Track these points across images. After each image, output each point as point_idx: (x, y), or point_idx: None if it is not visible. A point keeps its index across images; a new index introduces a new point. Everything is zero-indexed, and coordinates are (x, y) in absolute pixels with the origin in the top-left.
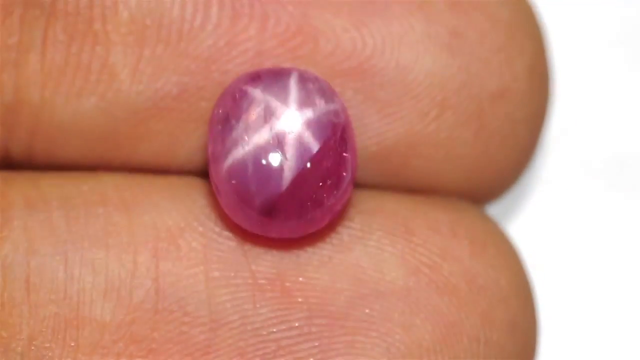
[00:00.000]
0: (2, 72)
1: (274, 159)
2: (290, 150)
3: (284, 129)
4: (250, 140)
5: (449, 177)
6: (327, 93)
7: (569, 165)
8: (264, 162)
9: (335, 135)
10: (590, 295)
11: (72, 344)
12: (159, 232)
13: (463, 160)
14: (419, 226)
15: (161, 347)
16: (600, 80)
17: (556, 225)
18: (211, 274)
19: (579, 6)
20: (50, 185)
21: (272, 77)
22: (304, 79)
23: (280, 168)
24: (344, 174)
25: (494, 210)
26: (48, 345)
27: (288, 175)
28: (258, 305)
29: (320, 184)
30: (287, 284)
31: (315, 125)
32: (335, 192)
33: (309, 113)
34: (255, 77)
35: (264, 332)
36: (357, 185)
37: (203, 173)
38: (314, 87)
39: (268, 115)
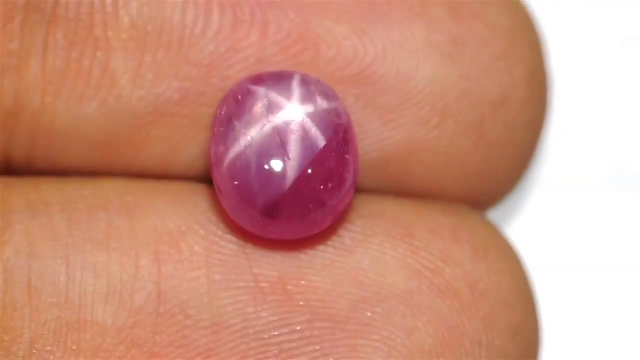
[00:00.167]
0: (3, 77)
1: (277, 159)
2: (294, 151)
3: (287, 124)
4: (251, 132)
5: (450, 183)
6: (329, 95)
7: (569, 168)
8: (266, 162)
9: (337, 137)
10: (592, 299)
11: (74, 348)
12: (160, 236)
13: (464, 167)
14: (421, 230)
15: (163, 351)
16: (599, 80)
17: (556, 228)
18: (213, 277)
19: (580, 6)
20: (52, 189)
21: (275, 79)
22: (306, 82)
23: (283, 168)
24: (347, 175)
25: (494, 213)
26: (50, 348)
27: (291, 175)
28: (260, 309)
29: (323, 185)
30: (289, 288)
31: (319, 122)
32: (337, 193)
33: (310, 109)
34: (258, 80)
35: (266, 336)
36: (359, 190)
37: (204, 179)
38: (316, 88)
39: (271, 108)
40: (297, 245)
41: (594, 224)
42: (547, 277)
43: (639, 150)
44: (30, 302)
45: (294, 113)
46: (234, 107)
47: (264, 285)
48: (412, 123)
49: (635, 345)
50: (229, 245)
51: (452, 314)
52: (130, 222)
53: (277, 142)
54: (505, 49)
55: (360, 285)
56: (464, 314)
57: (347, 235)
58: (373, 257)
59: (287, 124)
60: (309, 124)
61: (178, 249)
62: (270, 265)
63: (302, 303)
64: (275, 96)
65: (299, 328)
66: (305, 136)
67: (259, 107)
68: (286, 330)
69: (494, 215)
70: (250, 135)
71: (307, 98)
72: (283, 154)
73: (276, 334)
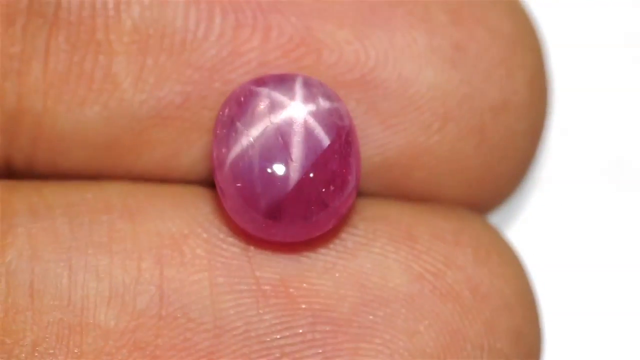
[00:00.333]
0: (4, 80)
1: (280, 160)
2: (296, 152)
3: (289, 124)
4: (253, 132)
5: (451, 187)
6: (331, 96)
7: (569, 168)
8: (269, 163)
9: (340, 139)
10: (593, 299)
11: (76, 351)
12: (162, 239)
13: (464, 172)
14: (423, 234)
15: (165, 354)
16: (599, 80)
17: (556, 228)
18: (215, 280)
19: (580, 6)
20: (54, 192)
21: (278, 81)
22: (308, 84)
23: (286, 169)
24: (349, 177)
25: (494, 213)
26: (52, 351)
27: (294, 176)
28: (262, 312)
29: (325, 186)
30: (291, 290)
31: (321, 121)
32: (340, 195)
33: (313, 107)
34: (261, 82)
35: (268, 339)
36: (360, 194)
37: (206, 182)
38: (318, 90)
39: (273, 108)
40: (299, 248)
41: (594, 223)
42: (548, 278)
43: (639, 149)
44: (33, 305)
45: (296, 111)
46: (236, 108)
47: (266, 288)
48: (414, 128)
49: (637, 346)
50: (231, 248)
51: (454, 318)
52: (133, 225)
53: (279, 143)
54: (506, 54)
55: (362, 288)
56: (465, 317)
57: (349, 238)
58: (375, 260)
59: (290, 124)
60: (313, 123)
61: (180, 252)
62: (272, 268)
63: (304, 306)
64: (277, 96)
65: (301, 331)
66: (309, 136)
67: (261, 107)
68: (288, 333)
69: (494, 215)
70: (252, 135)
71: (309, 98)
72: (286, 155)
73: (278, 337)
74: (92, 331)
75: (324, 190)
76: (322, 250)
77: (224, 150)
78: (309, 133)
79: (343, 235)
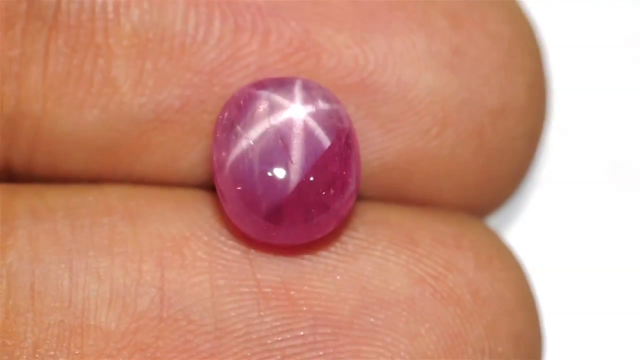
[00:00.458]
0: (4, 83)
1: (280, 162)
2: (297, 154)
3: (289, 126)
4: (252, 134)
5: (450, 191)
6: (331, 99)
7: (569, 168)
8: (269, 165)
9: (340, 141)
10: (594, 300)
11: (77, 352)
12: (164, 241)
13: (463, 176)
14: (424, 237)
15: (166, 356)
16: (599, 80)
17: (556, 228)
18: (216, 282)
19: (580, 6)
20: (55, 195)
21: (277, 84)
22: (307, 87)
23: (286, 172)
24: (349, 179)
25: (493, 215)
26: (53, 353)
27: (294, 179)
28: (263, 314)
29: (326, 189)
30: (292, 293)
31: (321, 123)
32: (340, 197)
33: (312, 109)
34: (260, 85)
35: (269, 341)
36: (360, 198)
37: (205, 186)
38: (317, 93)
39: (272, 109)
40: (300, 251)
41: (594, 224)
42: (548, 279)
43: (639, 149)
44: (33, 307)
45: (296, 113)
46: (236, 112)
47: (266, 290)
48: (413, 132)
49: (637, 349)
50: (231, 250)
51: (455, 321)
52: (134, 228)
53: (279, 145)
54: (506, 58)
55: (363, 291)
56: (466, 321)
57: (350, 241)
58: (376, 263)
59: (290, 126)
60: (312, 124)
61: (181, 254)
62: (273, 270)
63: (305, 308)
64: (277, 98)
65: (302, 333)
66: (309, 138)
67: (260, 109)
68: (289, 336)
69: (494, 215)
70: (252, 137)
71: (308, 100)
72: (286, 157)
73: (279, 339)
74: (93, 333)
75: (324, 192)
76: (323, 253)
77: (223, 153)
78: (308, 134)
79: (344, 238)
